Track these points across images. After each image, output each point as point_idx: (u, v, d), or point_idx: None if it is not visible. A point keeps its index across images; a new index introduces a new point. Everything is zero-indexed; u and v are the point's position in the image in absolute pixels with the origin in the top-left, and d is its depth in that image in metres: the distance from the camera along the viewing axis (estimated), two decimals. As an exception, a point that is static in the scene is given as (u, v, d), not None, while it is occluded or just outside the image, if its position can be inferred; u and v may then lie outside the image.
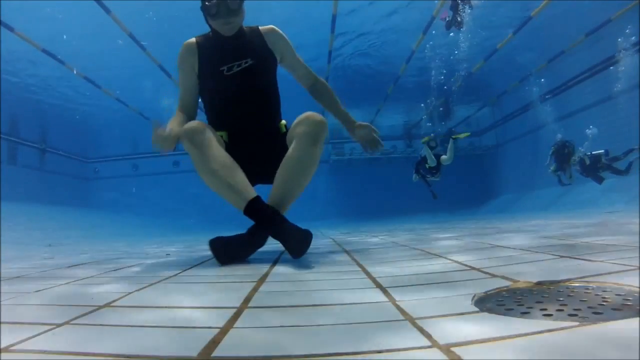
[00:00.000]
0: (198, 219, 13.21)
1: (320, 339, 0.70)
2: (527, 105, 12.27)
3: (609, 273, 1.08)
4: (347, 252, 2.22)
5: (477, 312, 0.81)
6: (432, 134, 9.67)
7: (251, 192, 1.94)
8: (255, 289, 1.18)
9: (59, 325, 0.84)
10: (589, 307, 0.78)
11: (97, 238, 7.05)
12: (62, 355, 0.66)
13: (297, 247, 1.80)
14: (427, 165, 9.28)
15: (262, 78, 2.26)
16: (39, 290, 1.32)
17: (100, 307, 1.02)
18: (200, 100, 2.38)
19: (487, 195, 14.54)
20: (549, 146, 9.33)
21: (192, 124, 2.04)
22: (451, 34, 9.28)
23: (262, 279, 1.36)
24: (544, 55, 10.39)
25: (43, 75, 11.83)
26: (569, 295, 0.89)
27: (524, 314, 0.77)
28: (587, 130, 8.77)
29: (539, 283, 1.03)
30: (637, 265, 1.14)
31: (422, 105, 13.46)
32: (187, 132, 1.99)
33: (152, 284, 1.36)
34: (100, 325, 0.86)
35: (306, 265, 1.67)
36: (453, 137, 8.78)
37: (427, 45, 10.41)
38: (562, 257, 1.46)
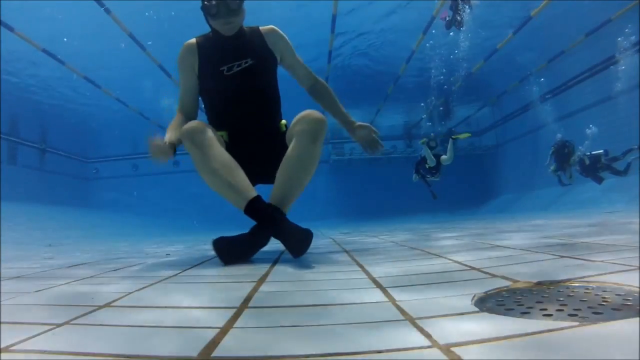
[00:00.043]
0: (198, 219, 13.21)
1: (320, 339, 0.70)
2: (527, 105, 12.28)
3: (609, 273, 1.08)
4: (347, 252, 2.22)
5: (477, 312, 0.81)
6: (431, 134, 9.67)
7: (252, 191, 1.94)
8: (255, 289, 1.18)
9: (59, 325, 0.84)
10: (589, 307, 0.78)
11: (97, 238, 7.05)
12: (62, 355, 0.66)
13: (298, 246, 1.80)
14: (427, 166, 9.28)
15: (262, 78, 2.26)
16: (39, 290, 1.32)
17: (100, 307, 1.02)
18: (200, 100, 2.38)
19: (487, 195, 14.55)
20: (549, 146, 9.34)
21: (193, 123, 2.04)
22: (451, 34, 9.27)
23: (262, 279, 1.36)
24: (544, 55, 10.39)
25: (43, 76, 11.84)
26: (569, 295, 0.89)
27: (524, 314, 0.77)
28: (587, 130, 8.77)
29: (539, 283, 1.03)
30: (637, 265, 1.14)
31: (422, 105, 13.45)
32: (187, 132, 1.99)
33: (152, 284, 1.36)
34: (100, 325, 0.86)
35: (306, 265, 1.67)
36: (453, 137, 8.78)
37: (427, 45, 10.40)
38: (562, 257, 1.46)
